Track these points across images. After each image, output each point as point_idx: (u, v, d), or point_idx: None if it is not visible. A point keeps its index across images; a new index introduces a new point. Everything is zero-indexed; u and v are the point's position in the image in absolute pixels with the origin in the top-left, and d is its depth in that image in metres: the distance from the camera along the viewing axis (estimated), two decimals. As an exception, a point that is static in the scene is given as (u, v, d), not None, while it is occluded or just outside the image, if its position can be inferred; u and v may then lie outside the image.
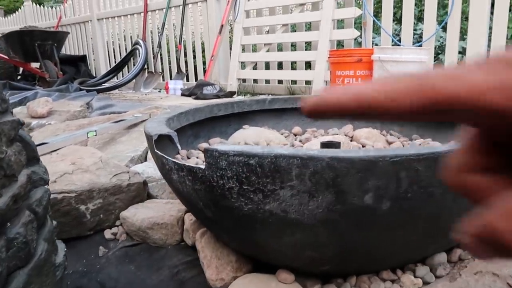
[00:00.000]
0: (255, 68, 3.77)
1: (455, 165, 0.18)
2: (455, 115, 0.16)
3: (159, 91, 4.51)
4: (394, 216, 0.61)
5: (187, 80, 4.53)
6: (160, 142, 0.86)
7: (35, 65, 4.92)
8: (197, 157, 1.02)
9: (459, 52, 3.41)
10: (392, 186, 0.58)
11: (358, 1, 3.49)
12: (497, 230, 0.15)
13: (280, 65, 3.85)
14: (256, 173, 0.60)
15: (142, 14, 4.79)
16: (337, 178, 0.57)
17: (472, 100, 0.15)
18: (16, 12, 7.40)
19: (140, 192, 1.13)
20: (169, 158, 0.70)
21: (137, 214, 1.03)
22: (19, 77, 5.33)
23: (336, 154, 0.56)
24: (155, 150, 0.75)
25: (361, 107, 0.16)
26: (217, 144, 1.19)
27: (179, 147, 0.81)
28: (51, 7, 6.56)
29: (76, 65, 5.63)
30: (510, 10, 4.99)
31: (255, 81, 3.92)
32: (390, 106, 0.16)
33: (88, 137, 1.47)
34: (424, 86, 0.16)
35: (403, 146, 1.21)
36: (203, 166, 0.64)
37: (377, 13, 3.45)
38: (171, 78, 4.55)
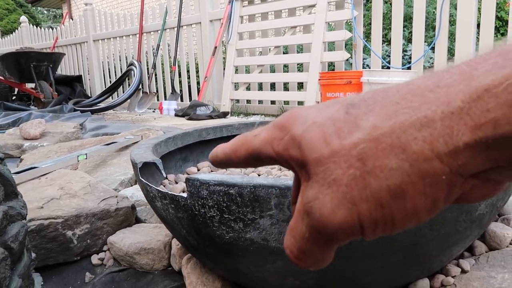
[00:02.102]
0: (248, 88, 3.81)
1: (292, 198, 0.25)
2: (265, 161, 0.24)
3: (153, 111, 4.54)
4: (374, 243, 0.62)
5: (181, 100, 4.57)
6: (147, 168, 0.88)
7: (30, 85, 4.95)
8: (184, 182, 1.03)
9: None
10: (369, 214, 0.59)
11: (349, 23, 3.57)
12: (285, 246, 0.23)
13: (272, 86, 3.89)
14: (236, 203, 0.61)
15: (138, 36, 4.86)
16: (314, 207, 0.58)
17: (260, 151, 0.23)
18: (13, 33, 7.47)
19: (128, 217, 1.13)
20: (153, 186, 0.72)
21: (125, 239, 1.03)
22: (14, 97, 5.36)
23: (313, 184, 0.58)
24: (140, 178, 0.76)
25: (228, 159, 0.26)
26: (199, 173, 1.20)
27: (164, 175, 0.82)
28: (51, 28, 6.63)
29: (71, 86, 5.67)
30: (494, 32, 5.09)
31: (248, 101, 3.97)
32: (235, 157, 0.25)
33: (78, 161, 1.48)
34: (244, 143, 0.24)
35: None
36: (185, 195, 0.65)
37: (368, 35, 3.51)
38: (165, 99, 4.59)
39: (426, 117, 0.19)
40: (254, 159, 0.24)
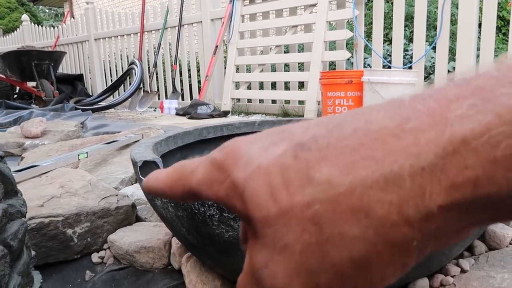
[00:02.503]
0: (249, 88, 3.81)
1: (241, 236, 0.24)
2: (204, 198, 0.21)
3: (154, 110, 4.55)
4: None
5: (182, 99, 4.57)
6: (147, 167, 0.88)
7: (31, 84, 4.96)
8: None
9: (449, 72, 3.48)
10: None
11: (350, 23, 3.56)
12: None
13: (273, 85, 3.89)
14: (235, 201, 0.61)
15: (139, 35, 4.86)
16: (314, 206, 0.58)
17: (199, 191, 0.20)
18: (15, 31, 7.48)
19: (129, 215, 1.14)
20: (153, 185, 0.72)
21: (125, 238, 1.04)
22: (15, 96, 5.37)
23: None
24: (140, 177, 0.76)
25: (162, 194, 0.23)
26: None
27: (164, 173, 0.83)
28: (52, 27, 6.64)
29: (72, 84, 5.68)
30: (496, 32, 5.08)
31: (249, 100, 3.97)
32: (170, 193, 0.22)
33: (79, 159, 1.48)
34: (180, 179, 0.21)
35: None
36: (185, 194, 0.65)
37: (369, 34, 3.51)
38: (166, 97, 4.59)
39: (392, 172, 0.16)
40: (193, 197, 0.21)
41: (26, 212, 0.44)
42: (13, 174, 0.44)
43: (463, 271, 0.76)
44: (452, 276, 0.76)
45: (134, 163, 0.82)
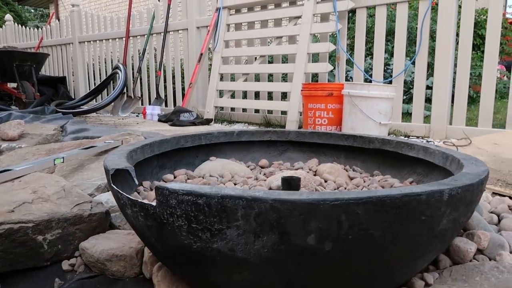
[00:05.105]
0: (232, 96, 3.83)
1: None
2: None
3: (136, 116, 4.51)
4: (337, 256, 0.64)
5: (166, 105, 4.56)
6: (122, 175, 0.88)
7: (12, 85, 4.87)
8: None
9: (428, 87, 3.56)
10: (334, 228, 0.60)
11: (334, 36, 3.62)
12: None
13: (257, 95, 3.92)
14: (204, 213, 0.62)
15: (124, 39, 4.84)
16: (280, 219, 0.59)
17: None
18: (-3, 31, 7.35)
19: (102, 222, 1.13)
20: (123, 193, 0.72)
21: (97, 245, 1.03)
22: (-6, 96, 5.25)
23: (279, 197, 0.59)
24: (111, 185, 0.76)
25: None
26: (173, 181, 1.21)
27: (136, 182, 0.83)
28: (37, 28, 6.55)
29: (55, 87, 5.60)
30: (475, 50, 5.23)
31: (232, 109, 3.98)
32: None
33: (55, 164, 1.46)
34: None
35: (364, 181, 1.25)
36: (154, 203, 0.66)
37: (352, 48, 3.57)
38: (150, 103, 4.57)
39: None
40: None
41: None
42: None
43: (427, 284, 0.78)
44: (417, 290, 0.77)
45: (106, 171, 0.82)
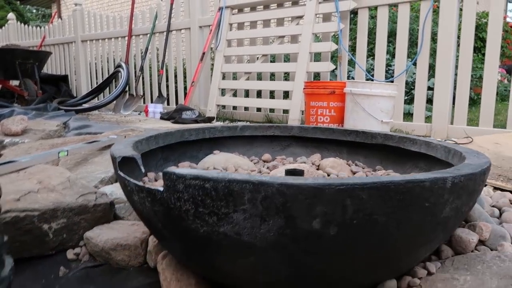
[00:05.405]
0: (234, 95, 3.84)
1: None
2: None
3: (139, 114, 4.53)
4: (342, 241, 0.65)
5: (168, 104, 4.57)
6: (127, 165, 0.88)
7: (15, 83, 4.89)
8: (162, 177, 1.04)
9: (430, 88, 3.57)
10: (339, 212, 0.61)
11: (335, 36, 3.63)
12: None
13: (259, 94, 3.93)
14: (211, 197, 0.63)
15: (126, 38, 4.85)
16: (286, 203, 0.60)
17: None
18: (0, 30, 7.37)
19: (107, 213, 1.14)
20: (130, 179, 0.73)
21: (101, 235, 1.04)
22: (-3, 94, 5.27)
23: (285, 181, 0.60)
24: (118, 172, 0.77)
25: None
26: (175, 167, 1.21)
27: (143, 170, 0.84)
28: (39, 27, 6.56)
29: (57, 85, 5.61)
30: (476, 52, 5.24)
31: (234, 108, 3.99)
32: None
33: (59, 157, 1.48)
34: None
35: (366, 176, 1.26)
36: (161, 188, 0.67)
37: (354, 48, 3.59)
38: (151, 102, 4.58)
39: None
40: None
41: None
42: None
43: (429, 273, 0.79)
44: (419, 278, 0.78)
45: (113, 159, 0.83)
